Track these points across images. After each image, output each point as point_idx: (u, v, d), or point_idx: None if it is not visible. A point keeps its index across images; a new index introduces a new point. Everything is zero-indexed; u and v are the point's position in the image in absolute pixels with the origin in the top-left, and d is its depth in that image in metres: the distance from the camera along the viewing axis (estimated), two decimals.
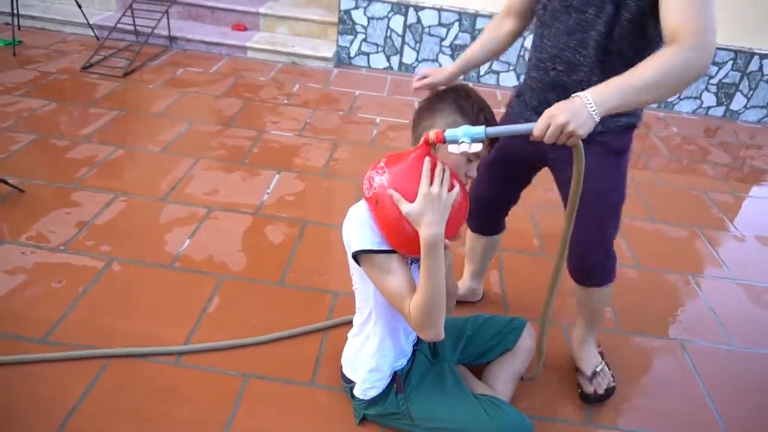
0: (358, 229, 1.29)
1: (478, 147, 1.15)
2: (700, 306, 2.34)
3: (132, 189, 2.59)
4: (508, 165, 1.72)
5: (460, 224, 1.29)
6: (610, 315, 2.20)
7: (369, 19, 4.47)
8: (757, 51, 4.38)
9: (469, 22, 4.41)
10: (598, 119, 1.13)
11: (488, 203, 1.85)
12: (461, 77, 1.73)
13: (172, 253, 2.21)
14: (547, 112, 1.12)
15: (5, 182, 2.41)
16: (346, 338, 1.61)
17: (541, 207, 2.82)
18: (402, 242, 1.24)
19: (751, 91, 4.54)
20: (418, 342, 1.61)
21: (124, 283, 2.04)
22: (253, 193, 2.69)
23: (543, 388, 1.83)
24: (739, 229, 2.96)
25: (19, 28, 4.25)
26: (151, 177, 2.71)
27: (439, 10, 4.38)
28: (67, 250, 2.16)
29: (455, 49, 4.54)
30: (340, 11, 4.46)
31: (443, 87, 1.42)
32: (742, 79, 4.49)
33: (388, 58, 4.64)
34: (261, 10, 4.68)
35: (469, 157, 1.29)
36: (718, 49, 3.87)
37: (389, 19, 4.46)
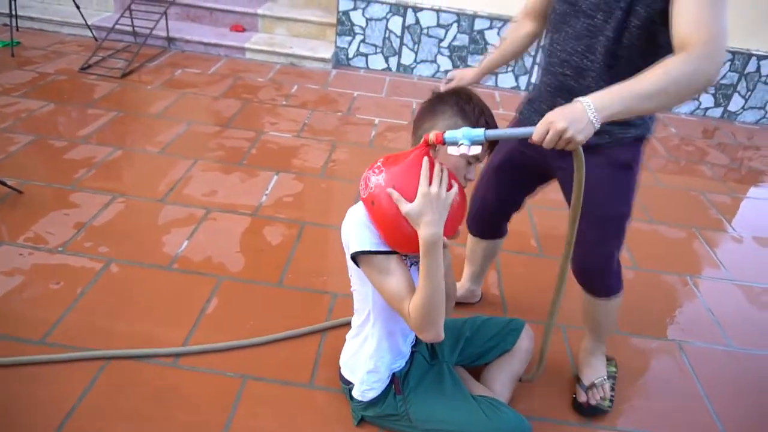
0: (357, 230, 1.29)
1: (477, 149, 1.15)
2: (698, 307, 2.35)
3: (130, 190, 2.59)
4: (515, 171, 1.72)
5: (458, 224, 1.30)
6: None
7: (367, 20, 4.47)
8: (754, 52, 4.39)
9: (467, 23, 4.41)
10: (598, 125, 1.12)
11: (492, 208, 1.84)
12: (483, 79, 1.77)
13: (171, 255, 2.21)
14: (547, 117, 1.12)
15: (3, 183, 2.40)
16: (345, 340, 1.61)
17: (540, 207, 2.82)
18: (400, 241, 1.24)
19: (749, 92, 4.56)
20: (417, 343, 1.61)
21: (122, 285, 2.04)
22: (251, 194, 2.69)
23: (541, 390, 1.83)
24: (737, 230, 2.96)
25: (17, 29, 4.24)
26: (149, 178, 2.71)
27: (438, 11, 4.39)
28: (65, 252, 2.16)
29: (454, 50, 4.54)
30: (338, 12, 4.47)
31: (444, 90, 1.41)
32: (739, 80, 4.50)
33: (386, 59, 4.64)
34: (259, 11, 4.68)
35: (468, 160, 1.28)
36: None
37: (388, 20, 4.46)
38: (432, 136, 1.19)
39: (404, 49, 4.58)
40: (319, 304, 2.07)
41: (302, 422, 1.63)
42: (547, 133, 1.12)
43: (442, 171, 1.20)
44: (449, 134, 1.16)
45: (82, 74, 3.79)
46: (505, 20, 4.36)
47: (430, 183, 1.18)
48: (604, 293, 1.67)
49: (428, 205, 1.17)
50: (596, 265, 1.62)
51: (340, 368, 1.62)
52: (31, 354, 1.70)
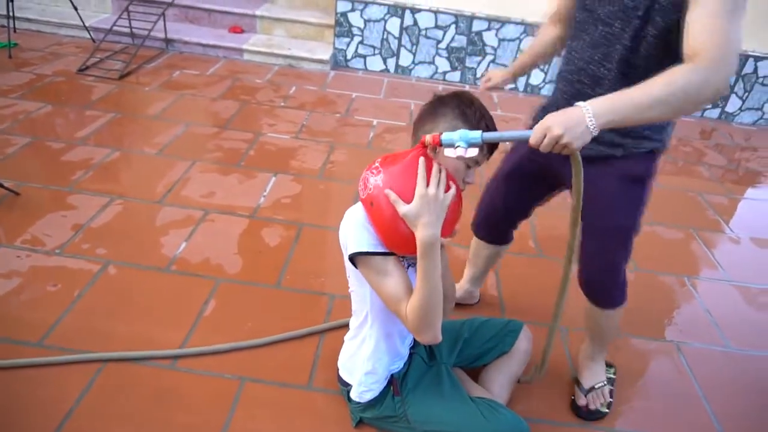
0: (355, 231, 1.29)
1: (474, 152, 1.15)
2: (696, 308, 2.35)
3: (128, 192, 2.59)
4: (525, 179, 1.71)
5: (455, 224, 1.30)
6: None
7: (365, 21, 4.47)
8: (751, 53, 4.40)
9: (465, 24, 4.42)
10: (595, 132, 1.11)
11: (500, 214, 1.84)
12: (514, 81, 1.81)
13: (169, 256, 2.21)
14: (544, 122, 1.12)
15: (0, 185, 2.40)
16: (343, 341, 1.61)
17: (538, 208, 2.81)
18: (398, 242, 1.24)
19: (746, 93, 4.56)
20: (415, 345, 1.61)
21: (120, 287, 2.03)
22: (249, 196, 2.69)
23: (540, 391, 1.83)
24: (735, 231, 2.97)
25: (14, 31, 4.24)
26: (147, 180, 2.71)
27: (436, 12, 4.39)
28: (62, 254, 2.15)
29: (452, 52, 4.54)
30: (336, 13, 4.47)
31: (445, 93, 1.41)
32: (737, 81, 4.51)
33: (384, 61, 4.65)
34: (257, 13, 4.68)
35: (468, 164, 1.29)
36: None
37: (386, 22, 4.46)
38: (429, 137, 1.19)
39: (402, 51, 4.58)
40: (317, 305, 2.07)
41: (300, 424, 1.62)
42: (544, 137, 1.12)
43: (440, 172, 1.20)
44: (446, 136, 1.16)
45: (79, 76, 3.79)
46: (503, 21, 4.37)
47: (428, 184, 1.18)
48: (608, 304, 1.66)
49: (425, 206, 1.17)
50: (602, 277, 1.61)
51: (338, 370, 1.62)
52: (29, 356, 1.70)
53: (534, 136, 1.13)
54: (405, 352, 1.56)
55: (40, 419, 1.53)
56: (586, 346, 1.83)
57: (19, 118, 3.12)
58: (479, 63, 4.57)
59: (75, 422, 1.53)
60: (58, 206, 2.42)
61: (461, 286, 2.12)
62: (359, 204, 1.32)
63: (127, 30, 4.31)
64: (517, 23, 4.37)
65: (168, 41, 4.44)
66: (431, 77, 4.66)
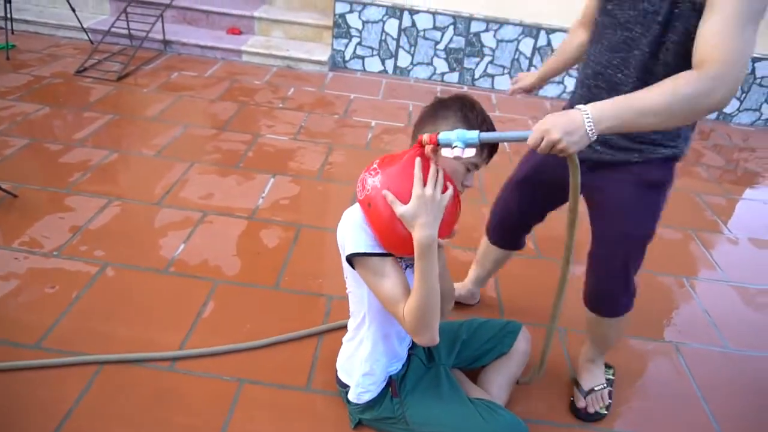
0: (353, 232, 1.29)
1: (471, 152, 1.15)
2: (695, 308, 2.35)
3: (126, 193, 2.58)
4: (539, 185, 1.69)
5: (453, 225, 1.29)
6: None
7: (364, 22, 4.48)
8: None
9: (463, 25, 4.42)
10: (594, 137, 1.11)
11: (515, 219, 1.82)
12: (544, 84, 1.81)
13: (167, 258, 2.21)
14: (543, 125, 1.11)
15: None
16: (341, 342, 1.61)
17: None
18: (395, 243, 1.24)
19: (744, 94, 4.57)
20: (414, 346, 1.60)
21: (118, 289, 2.03)
22: (247, 197, 2.69)
23: (539, 392, 1.83)
24: (733, 232, 2.97)
25: (12, 33, 4.24)
26: (145, 181, 2.70)
27: (434, 13, 4.39)
28: (60, 256, 2.15)
29: (450, 53, 4.55)
30: (334, 15, 4.47)
31: (448, 95, 1.40)
32: None
33: (383, 62, 4.65)
34: (256, 14, 4.68)
35: (467, 167, 1.28)
36: None
37: (384, 23, 4.46)
38: (426, 137, 1.19)
39: (401, 52, 4.59)
40: (315, 306, 2.07)
41: (299, 425, 1.62)
42: (542, 140, 1.11)
43: (437, 173, 1.20)
44: (443, 135, 1.16)
45: (77, 77, 3.78)
46: (501, 23, 4.37)
47: (425, 184, 1.18)
48: (612, 313, 1.64)
49: (422, 206, 1.17)
50: (610, 284, 1.59)
51: (336, 371, 1.62)
52: (26, 359, 1.69)
53: (532, 137, 1.13)
54: (403, 353, 1.56)
55: (38, 422, 1.52)
56: (587, 349, 1.83)
57: (17, 120, 3.11)
58: (477, 64, 4.57)
59: (73, 424, 1.53)
60: (56, 208, 2.42)
61: (464, 286, 2.12)
62: (357, 205, 1.32)
63: (125, 31, 4.31)
64: (515, 24, 4.38)
65: (166, 43, 4.44)
66: (429, 78, 4.66)
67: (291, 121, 3.56)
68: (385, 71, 4.68)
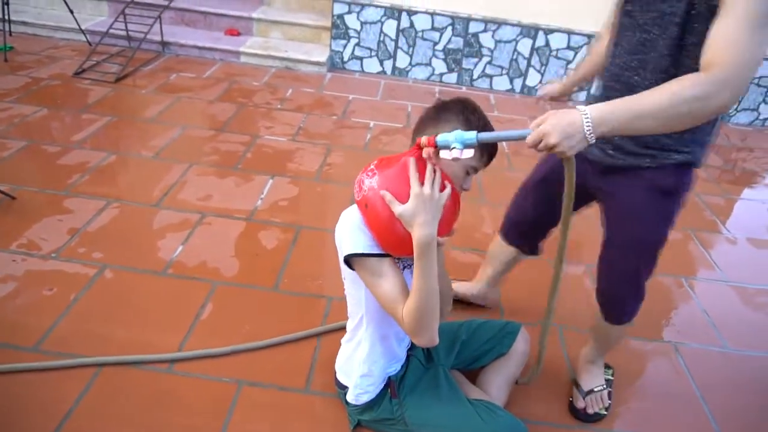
0: (351, 233, 1.29)
1: (469, 153, 1.15)
2: (693, 308, 2.35)
3: (124, 195, 2.58)
4: (555, 187, 1.67)
5: (452, 223, 1.29)
6: None
7: (362, 23, 4.48)
8: None
9: (462, 26, 4.42)
10: (592, 140, 1.10)
11: (529, 222, 1.80)
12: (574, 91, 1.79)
13: (165, 260, 2.20)
14: (542, 128, 1.10)
15: None
16: (340, 344, 1.61)
17: None
18: (394, 243, 1.24)
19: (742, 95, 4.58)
20: (413, 347, 1.60)
21: (116, 290, 2.03)
22: (246, 199, 2.69)
23: (538, 393, 1.83)
24: (732, 232, 2.97)
25: (10, 34, 4.23)
26: (143, 183, 2.70)
27: (432, 14, 4.40)
28: (58, 258, 2.14)
29: (448, 53, 4.55)
30: (333, 16, 4.47)
31: (448, 98, 1.39)
32: None
33: (381, 63, 4.65)
34: (254, 15, 4.68)
35: (467, 170, 1.29)
36: None
37: (382, 24, 4.46)
38: (424, 139, 1.18)
39: (399, 53, 4.59)
40: (314, 308, 2.07)
41: (298, 427, 1.62)
42: (540, 141, 1.11)
43: (434, 172, 1.20)
44: (441, 137, 1.16)
45: (75, 79, 3.78)
46: (500, 23, 4.37)
47: (422, 184, 1.18)
48: (620, 319, 1.63)
49: (421, 205, 1.17)
50: (620, 289, 1.58)
51: (335, 372, 1.62)
52: (25, 361, 1.69)
53: (531, 138, 1.12)
54: (402, 354, 1.55)
55: (36, 424, 1.52)
56: (588, 350, 1.83)
57: (14, 122, 3.11)
58: (476, 65, 4.57)
59: (73, 424, 1.53)
60: (54, 210, 2.41)
61: (475, 286, 2.10)
62: (355, 206, 1.32)
63: (124, 33, 4.31)
64: (513, 25, 4.38)
65: (164, 44, 4.44)
66: (428, 79, 4.66)
67: (289, 122, 3.56)
68: (383, 72, 4.68)
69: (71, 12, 4.23)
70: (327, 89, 4.22)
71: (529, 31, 4.40)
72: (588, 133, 1.09)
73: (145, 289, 2.05)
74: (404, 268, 1.35)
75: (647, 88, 1.23)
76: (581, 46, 4.41)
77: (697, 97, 1.07)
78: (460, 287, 2.11)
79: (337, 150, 3.29)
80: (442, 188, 1.21)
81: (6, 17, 4.07)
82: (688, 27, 1.20)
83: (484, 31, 4.43)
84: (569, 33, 4.37)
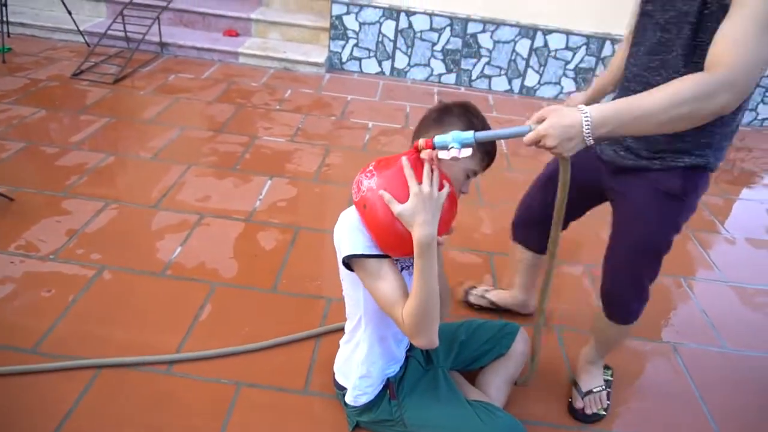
0: (349, 233, 1.29)
1: (467, 152, 1.15)
2: (692, 308, 2.35)
3: (123, 196, 2.58)
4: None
5: (451, 222, 1.29)
6: None
7: (360, 24, 4.48)
8: None
9: (460, 26, 4.42)
10: (591, 142, 1.09)
11: (537, 220, 1.77)
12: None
13: (164, 261, 2.20)
14: (541, 129, 1.10)
15: None
16: (339, 345, 1.60)
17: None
18: (393, 244, 1.24)
19: None
20: (411, 348, 1.60)
21: (115, 292, 2.02)
22: (245, 200, 2.68)
23: (537, 393, 1.83)
24: (730, 232, 2.98)
25: (8, 36, 4.22)
26: (142, 184, 2.70)
27: (431, 15, 4.40)
28: (57, 259, 2.14)
29: (447, 54, 4.55)
30: (331, 17, 4.47)
31: (450, 101, 1.39)
32: None
33: (380, 63, 4.65)
34: (252, 16, 4.68)
35: (467, 173, 1.29)
36: None
37: (381, 24, 4.47)
38: (422, 141, 1.18)
39: (397, 53, 4.59)
40: (313, 309, 2.07)
41: (297, 428, 1.62)
42: (538, 141, 1.11)
43: (432, 171, 1.20)
44: (439, 138, 1.16)
45: (74, 80, 3.77)
46: (498, 24, 4.38)
47: (420, 182, 1.18)
48: (623, 319, 1.62)
49: (420, 204, 1.16)
50: (623, 290, 1.57)
51: (334, 374, 1.61)
52: (23, 363, 1.68)
53: (529, 137, 1.12)
54: (401, 355, 1.55)
55: (39, 423, 1.52)
56: (588, 350, 1.82)
57: (13, 123, 3.11)
58: (474, 65, 4.58)
59: (71, 426, 1.52)
60: (52, 211, 2.41)
61: (512, 294, 2.08)
62: (353, 207, 1.32)
63: (122, 34, 4.30)
64: (512, 25, 4.38)
65: (163, 45, 4.43)
66: (427, 79, 4.67)
67: (288, 123, 3.56)
68: (382, 73, 4.68)
69: (69, 13, 4.23)
70: (325, 90, 4.22)
71: (528, 31, 4.40)
72: (587, 135, 1.08)
73: (144, 291, 2.05)
74: (402, 269, 1.35)
75: None
76: (580, 47, 4.42)
77: (697, 97, 1.06)
78: (500, 297, 2.10)
79: (336, 151, 3.29)
80: (441, 187, 1.21)
81: (4, 18, 4.06)
82: (702, 26, 1.18)
83: (483, 31, 4.44)
84: (567, 33, 4.38)
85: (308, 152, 3.23)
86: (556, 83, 4.59)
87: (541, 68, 4.54)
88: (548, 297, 1.53)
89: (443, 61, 4.58)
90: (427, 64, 4.61)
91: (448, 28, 4.44)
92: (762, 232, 3.01)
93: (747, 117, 4.67)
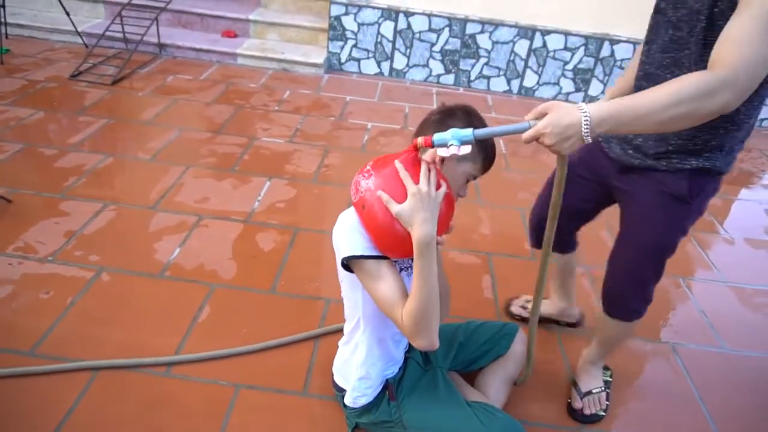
0: (348, 234, 1.28)
1: (467, 149, 1.15)
2: (691, 309, 2.35)
3: (121, 198, 2.57)
4: (574, 180, 1.60)
5: (449, 220, 1.29)
6: None
7: (359, 25, 4.48)
8: None
9: (459, 27, 4.42)
10: (589, 140, 1.09)
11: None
12: None
13: (162, 262, 2.20)
14: (540, 126, 1.10)
15: None
16: (338, 346, 1.60)
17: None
18: (392, 244, 1.23)
19: None
20: (410, 349, 1.60)
21: (113, 293, 2.02)
22: (243, 201, 2.68)
23: (536, 394, 1.83)
24: (729, 232, 2.98)
25: (6, 37, 4.22)
26: (140, 185, 2.69)
27: (429, 15, 4.40)
28: (55, 261, 2.14)
29: (446, 54, 4.55)
30: (330, 17, 4.47)
31: (453, 104, 1.37)
32: None
33: (378, 64, 4.65)
34: (251, 17, 4.68)
35: (467, 177, 1.30)
36: None
37: (379, 25, 4.47)
38: (421, 140, 1.18)
39: (396, 54, 4.59)
40: (312, 310, 2.06)
41: (296, 430, 1.62)
42: (536, 139, 1.12)
43: (429, 170, 1.20)
44: (438, 136, 1.16)
45: (72, 81, 3.77)
46: (497, 24, 4.38)
47: (417, 182, 1.18)
48: (622, 316, 1.62)
49: (419, 203, 1.16)
50: (623, 287, 1.57)
51: (333, 375, 1.61)
52: (21, 365, 1.68)
53: (527, 135, 1.12)
54: (400, 356, 1.55)
55: (39, 424, 1.52)
56: (589, 351, 1.82)
57: (11, 125, 3.10)
58: (473, 66, 4.58)
59: (71, 426, 1.52)
60: (50, 213, 2.41)
61: (554, 304, 2.06)
62: (352, 208, 1.32)
63: (120, 35, 4.30)
64: (510, 26, 4.38)
65: (161, 46, 4.43)
66: (425, 80, 4.67)
67: (287, 124, 3.56)
68: (380, 73, 4.68)
69: (67, 14, 4.23)
70: (324, 91, 4.22)
71: (526, 32, 4.40)
72: (585, 134, 1.08)
73: (143, 292, 2.04)
74: (401, 270, 1.35)
75: None
76: (578, 47, 4.42)
77: (697, 96, 1.06)
78: (544, 308, 2.07)
79: (335, 151, 3.29)
80: (438, 186, 1.21)
81: (2, 20, 4.06)
82: (713, 24, 1.18)
83: (482, 32, 4.44)
84: (566, 34, 4.38)
85: (307, 153, 3.23)
86: (554, 83, 4.60)
87: (540, 69, 4.54)
88: (542, 294, 1.53)
89: (442, 61, 4.58)
90: (426, 65, 4.61)
91: (447, 29, 4.44)
92: (761, 233, 3.02)
93: None
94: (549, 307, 2.07)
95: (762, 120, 4.66)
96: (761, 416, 1.88)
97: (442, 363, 1.64)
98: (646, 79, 1.38)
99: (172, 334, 1.87)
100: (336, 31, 4.52)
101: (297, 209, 2.69)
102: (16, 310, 1.89)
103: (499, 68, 4.58)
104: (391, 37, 4.51)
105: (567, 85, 4.58)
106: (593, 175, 1.60)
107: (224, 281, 2.14)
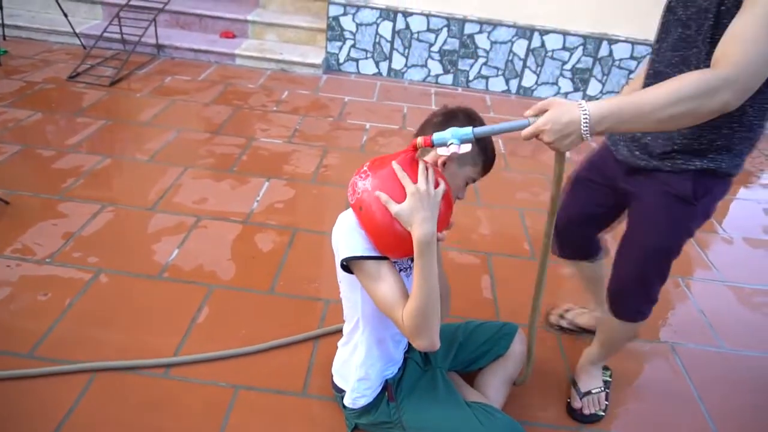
0: (348, 235, 1.28)
1: (467, 148, 1.15)
2: (690, 309, 2.35)
3: (120, 199, 2.57)
4: (586, 185, 1.65)
5: (449, 218, 1.29)
6: None
7: (357, 25, 4.47)
8: None
9: (457, 27, 4.42)
10: (588, 138, 1.09)
11: (571, 223, 1.73)
12: None
13: (161, 263, 2.19)
14: (539, 123, 1.10)
15: None
16: (337, 347, 1.60)
17: (531, 210, 2.83)
18: (391, 245, 1.23)
19: None
20: (410, 350, 1.60)
21: (112, 295, 2.02)
22: (242, 201, 2.68)
23: (536, 394, 1.83)
24: (728, 232, 2.98)
25: (4, 38, 4.22)
26: (138, 186, 2.69)
27: (428, 15, 4.40)
28: (53, 262, 2.13)
29: (444, 55, 4.55)
30: (328, 18, 4.47)
31: (455, 106, 1.37)
32: None
33: (377, 64, 4.65)
34: (249, 18, 4.68)
35: (466, 180, 1.32)
36: None
37: (378, 25, 4.46)
38: (420, 140, 1.18)
39: (395, 54, 4.58)
40: (311, 311, 2.06)
41: (295, 431, 1.61)
42: (536, 136, 1.12)
43: (427, 169, 1.20)
44: (437, 136, 1.16)
45: (70, 83, 3.76)
46: (495, 24, 4.38)
47: (415, 181, 1.18)
48: (626, 316, 1.61)
49: (418, 203, 1.16)
50: (627, 287, 1.57)
51: (332, 376, 1.61)
52: (20, 367, 1.68)
53: (527, 132, 1.13)
54: (399, 357, 1.55)
55: (38, 425, 1.51)
56: (591, 351, 1.82)
57: (8, 126, 3.10)
58: (471, 66, 4.58)
59: (70, 428, 1.52)
60: (48, 214, 2.40)
61: (589, 310, 2.05)
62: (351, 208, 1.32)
63: (118, 36, 4.29)
64: (509, 26, 4.39)
65: (159, 47, 4.42)
66: (424, 80, 4.66)
67: (285, 125, 3.56)
68: (379, 73, 4.68)
69: (65, 15, 4.22)
70: (323, 91, 4.21)
71: (525, 32, 4.40)
72: (585, 132, 1.08)
73: (141, 293, 2.04)
74: (401, 270, 1.35)
75: None
76: (576, 47, 4.42)
77: (698, 94, 1.05)
78: (582, 318, 2.07)
79: (334, 152, 3.29)
80: (436, 185, 1.21)
81: (0, 21, 4.05)
82: (720, 22, 1.17)
83: (480, 32, 4.44)
84: (564, 34, 4.38)
85: (306, 153, 3.22)
86: (553, 83, 4.60)
87: (538, 68, 4.54)
88: (542, 292, 1.53)
89: (440, 61, 4.58)
90: (425, 65, 4.61)
91: (445, 29, 4.44)
92: (759, 232, 3.02)
93: None
94: (588, 316, 2.05)
95: None
96: (760, 415, 1.88)
97: (442, 363, 1.64)
98: (655, 77, 1.37)
99: (171, 335, 1.87)
100: (334, 31, 4.51)
101: (296, 210, 2.69)
102: (15, 312, 1.89)
103: (497, 68, 4.58)
104: (389, 38, 4.51)
105: (565, 84, 4.59)
106: (604, 179, 1.60)
107: (223, 282, 2.14)
